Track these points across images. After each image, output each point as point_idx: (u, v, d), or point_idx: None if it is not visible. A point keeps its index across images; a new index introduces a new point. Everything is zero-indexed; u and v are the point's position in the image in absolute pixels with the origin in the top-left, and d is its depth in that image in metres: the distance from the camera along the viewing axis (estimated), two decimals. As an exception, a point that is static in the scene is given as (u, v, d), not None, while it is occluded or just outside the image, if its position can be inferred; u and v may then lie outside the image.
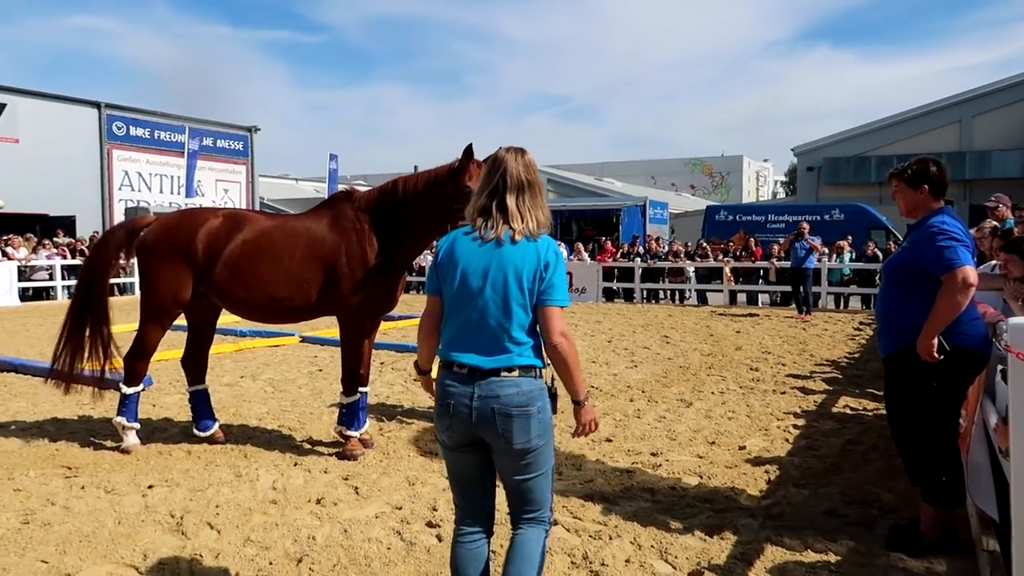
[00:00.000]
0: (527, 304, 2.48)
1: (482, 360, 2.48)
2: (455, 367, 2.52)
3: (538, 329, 2.52)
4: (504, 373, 2.46)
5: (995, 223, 6.15)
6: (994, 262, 5.51)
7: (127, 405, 5.35)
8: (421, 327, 2.73)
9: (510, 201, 2.53)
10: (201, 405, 5.57)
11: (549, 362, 2.55)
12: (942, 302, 3.22)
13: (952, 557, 3.44)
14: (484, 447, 2.54)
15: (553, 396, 2.58)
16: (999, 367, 3.69)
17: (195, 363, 5.71)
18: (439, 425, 2.59)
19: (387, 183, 5.29)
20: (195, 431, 5.51)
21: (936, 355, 3.24)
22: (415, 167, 36.70)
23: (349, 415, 5.16)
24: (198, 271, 5.17)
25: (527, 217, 2.53)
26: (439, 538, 3.73)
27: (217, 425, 5.56)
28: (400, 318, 13.37)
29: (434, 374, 2.80)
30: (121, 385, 5.43)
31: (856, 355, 9.78)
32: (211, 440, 5.44)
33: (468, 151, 4.79)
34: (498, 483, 2.69)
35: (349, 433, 5.14)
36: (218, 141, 32.99)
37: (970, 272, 3.18)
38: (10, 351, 9.80)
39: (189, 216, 5.41)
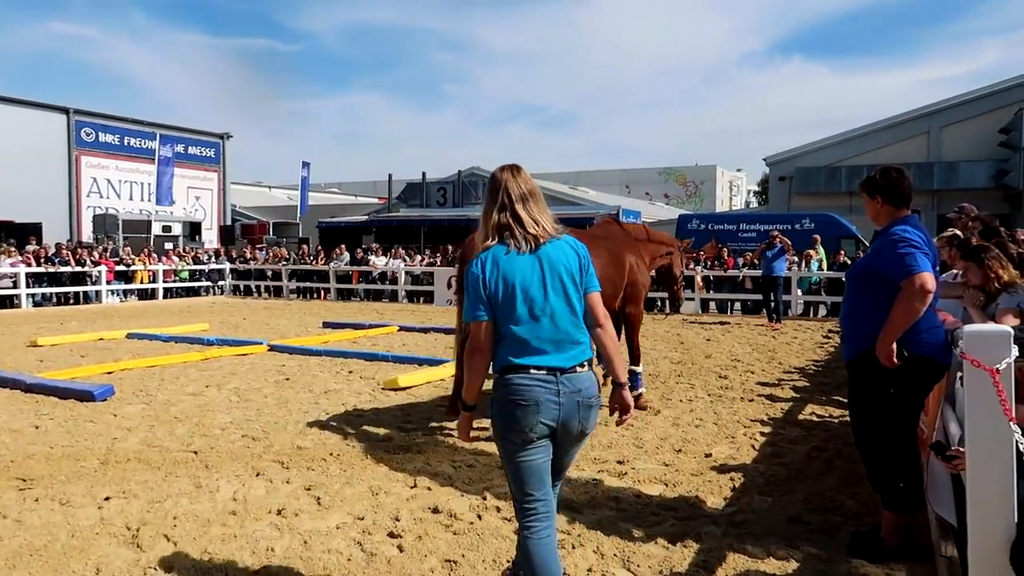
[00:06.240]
0: (581, 297, 2.70)
1: (559, 360, 2.62)
2: (531, 369, 2.61)
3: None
4: (579, 368, 2.65)
5: (956, 232, 6.24)
6: (955, 271, 5.59)
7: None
8: (473, 359, 2.69)
9: (521, 210, 2.69)
10: None
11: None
12: (899, 307, 3.25)
13: (912, 563, 3.45)
14: (550, 438, 2.68)
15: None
16: (959, 374, 3.73)
17: None
18: (519, 425, 2.61)
19: (664, 236, 7.96)
20: None
21: (895, 360, 3.27)
22: (389, 175, 36.63)
23: (635, 380, 6.80)
24: None
25: (541, 221, 2.71)
26: (400, 548, 3.68)
27: None
28: (371, 326, 13.28)
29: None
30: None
31: (823, 362, 9.87)
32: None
33: None
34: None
35: (640, 392, 6.81)
36: (189, 148, 32.69)
37: (928, 278, 3.21)
38: (-31, 360, 9.57)
39: None
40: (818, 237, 17.85)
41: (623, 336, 7.37)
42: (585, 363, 2.68)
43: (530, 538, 2.70)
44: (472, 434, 2.91)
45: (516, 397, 2.60)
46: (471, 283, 2.67)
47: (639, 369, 6.96)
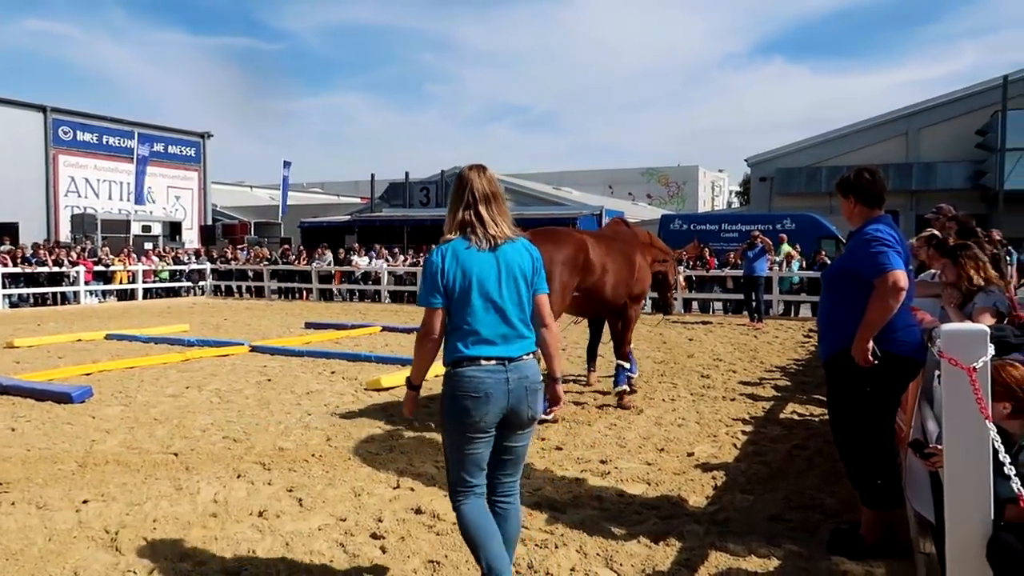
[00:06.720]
0: (530, 296, 2.89)
1: (508, 350, 2.80)
2: (482, 360, 2.77)
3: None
4: (524, 357, 2.84)
5: (934, 232, 6.31)
6: (933, 271, 5.66)
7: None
8: (424, 344, 2.88)
9: (483, 211, 2.84)
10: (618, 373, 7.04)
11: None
12: (874, 305, 3.28)
13: (890, 560, 3.49)
14: (499, 427, 2.85)
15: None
16: (936, 372, 3.77)
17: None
18: (472, 415, 2.76)
19: (663, 245, 8.29)
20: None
21: (870, 359, 3.30)
22: (372, 175, 36.49)
23: (620, 376, 7.02)
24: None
25: (500, 223, 2.86)
26: (383, 549, 3.67)
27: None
28: (354, 327, 13.23)
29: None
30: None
31: (804, 361, 9.94)
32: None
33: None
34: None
35: (624, 389, 6.95)
36: (169, 147, 32.41)
37: (900, 276, 3.25)
38: (-56, 362, 9.43)
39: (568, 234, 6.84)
40: (784, 236, 17.99)
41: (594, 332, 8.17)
42: (531, 353, 2.87)
43: (465, 505, 2.89)
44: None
45: (468, 390, 2.76)
46: (429, 271, 2.83)
47: (627, 366, 7.12)
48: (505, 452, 2.92)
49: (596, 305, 6.95)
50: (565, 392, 7.29)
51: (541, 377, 2.89)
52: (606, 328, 7.83)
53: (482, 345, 2.78)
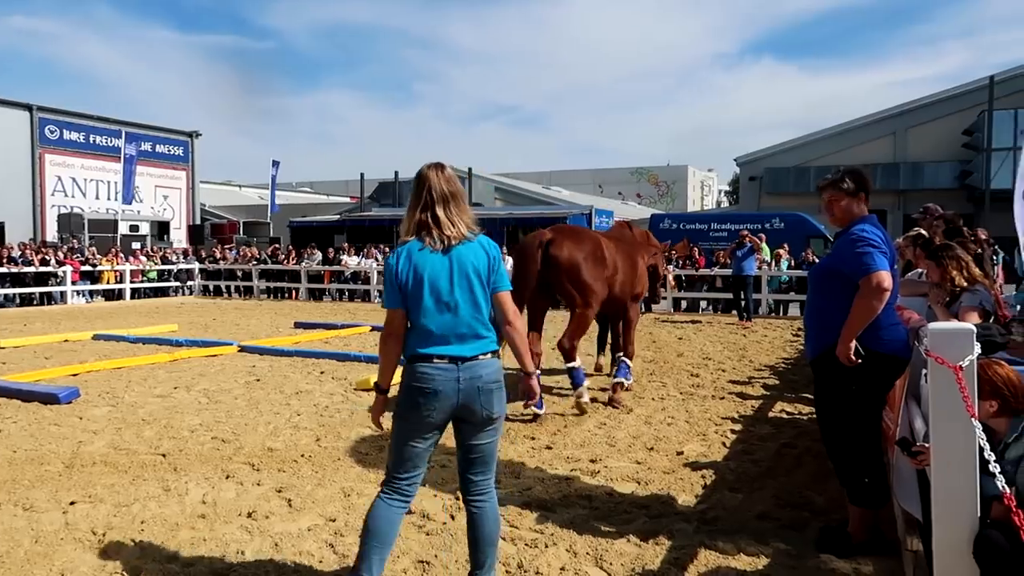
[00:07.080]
0: (487, 295, 2.88)
1: (462, 350, 2.83)
2: (435, 359, 2.81)
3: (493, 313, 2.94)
4: (481, 357, 2.85)
5: (921, 231, 6.35)
6: (920, 269, 5.70)
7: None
8: (387, 344, 2.93)
9: (440, 212, 2.85)
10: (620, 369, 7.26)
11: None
12: (858, 305, 3.31)
13: (878, 557, 3.51)
14: (454, 425, 2.91)
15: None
16: (923, 370, 3.79)
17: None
18: (420, 411, 2.82)
19: (655, 241, 8.86)
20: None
21: (853, 358, 3.32)
22: (361, 174, 36.35)
23: (621, 369, 7.23)
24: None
25: (457, 223, 2.86)
26: (372, 550, 3.66)
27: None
28: (343, 326, 13.19)
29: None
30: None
31: (793, 360, 9.99)
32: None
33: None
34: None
35: (620, 381, 7.11)
36: (157, 146, 32.20)
37: (884, 276, 3.27)
38: (-72, 363, 9.34)
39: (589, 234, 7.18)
40: (763, 237, 18.05)
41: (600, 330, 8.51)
42: (488, 353, 2.88)
43: (383, 500, 2.93)
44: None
45: (419, 384, 2.81)
46: (387, 274, 2.89)
47: (629, 362, 7.39)
48: (471, 451, 2.95)
49: (603, 302, 7.08)
50: (556, 390, 7.35)
51: (498, 378, 2.90)
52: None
53: (435, 344, 2.82)
